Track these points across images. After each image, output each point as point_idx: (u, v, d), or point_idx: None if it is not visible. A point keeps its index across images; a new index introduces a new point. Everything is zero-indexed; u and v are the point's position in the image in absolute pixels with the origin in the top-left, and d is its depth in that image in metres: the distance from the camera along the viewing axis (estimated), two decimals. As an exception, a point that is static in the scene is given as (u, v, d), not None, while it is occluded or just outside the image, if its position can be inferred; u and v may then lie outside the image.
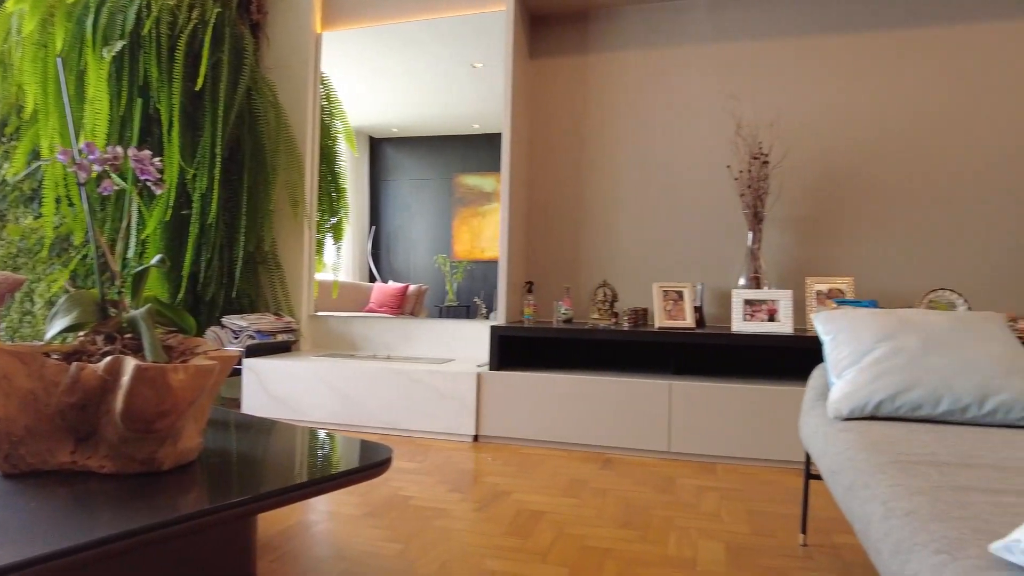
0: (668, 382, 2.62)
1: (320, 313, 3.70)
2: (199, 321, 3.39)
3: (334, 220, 3.87)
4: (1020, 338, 2.38)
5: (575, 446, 2.72)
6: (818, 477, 1.74)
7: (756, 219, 2.84)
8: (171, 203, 3.15)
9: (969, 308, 2.53)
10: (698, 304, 2.94)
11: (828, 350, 1.60)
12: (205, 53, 3.09)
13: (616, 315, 2.99)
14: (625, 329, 2.76)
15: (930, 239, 2.83)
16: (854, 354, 1.52)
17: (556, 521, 1.89)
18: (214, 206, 3.16)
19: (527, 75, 3.33)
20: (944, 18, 2.84)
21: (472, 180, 5.51)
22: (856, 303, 2.55)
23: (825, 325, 1.65)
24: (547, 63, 3.36)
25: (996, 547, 0.68)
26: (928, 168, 2.84)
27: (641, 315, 2.96)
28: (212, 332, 3.26)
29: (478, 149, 5.42)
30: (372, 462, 1.26)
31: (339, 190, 3.88)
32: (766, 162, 2.83)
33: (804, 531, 1.77)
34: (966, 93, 2.82)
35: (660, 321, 2.80)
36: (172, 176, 3.11)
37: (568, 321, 3.04)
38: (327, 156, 3.78)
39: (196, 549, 1.26)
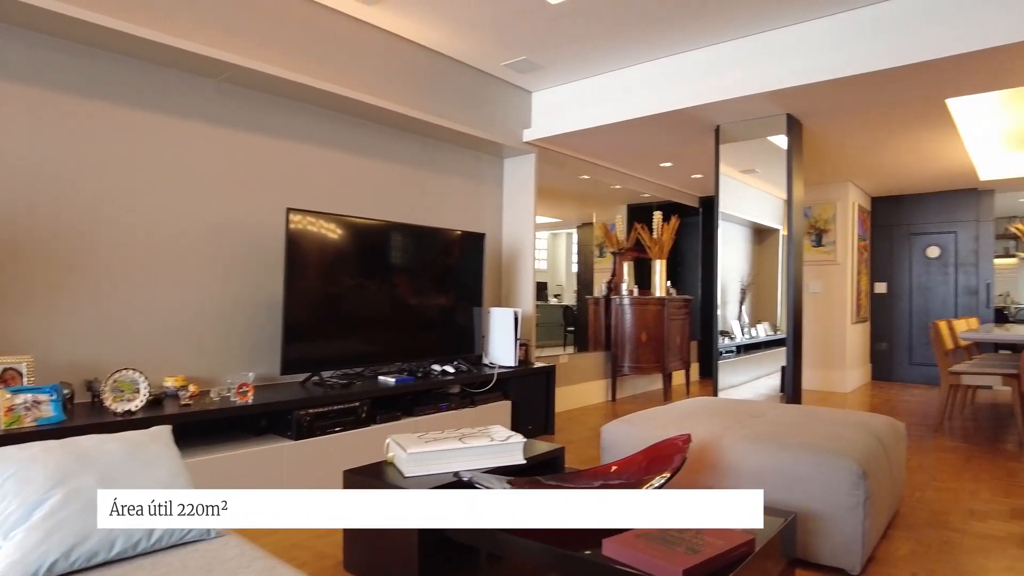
0: None
1: None
2: None
3: None
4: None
5: None
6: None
7: (-101, 289, 2.25)
8: None
9: (149, 384, 2.70)
10: None
11: (-6, 505, 1.44)
12: None
13: None
14: None
15: (120, 313, 2.88)
16: (24, 508, 1.42)
17: None
18: None
19: None
20: (146, 105, 2.93)
21: None
22: (35, 390, 2.38)
23: (-11, 473, 1.47)
24: None
25: None
26: (119, 244, 2.88)
27: None
28: None
29: None
30: None
31: None
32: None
33: None
34: (161, 182, 3.00)
35: None
36: None
37: None
38: None
39: None
